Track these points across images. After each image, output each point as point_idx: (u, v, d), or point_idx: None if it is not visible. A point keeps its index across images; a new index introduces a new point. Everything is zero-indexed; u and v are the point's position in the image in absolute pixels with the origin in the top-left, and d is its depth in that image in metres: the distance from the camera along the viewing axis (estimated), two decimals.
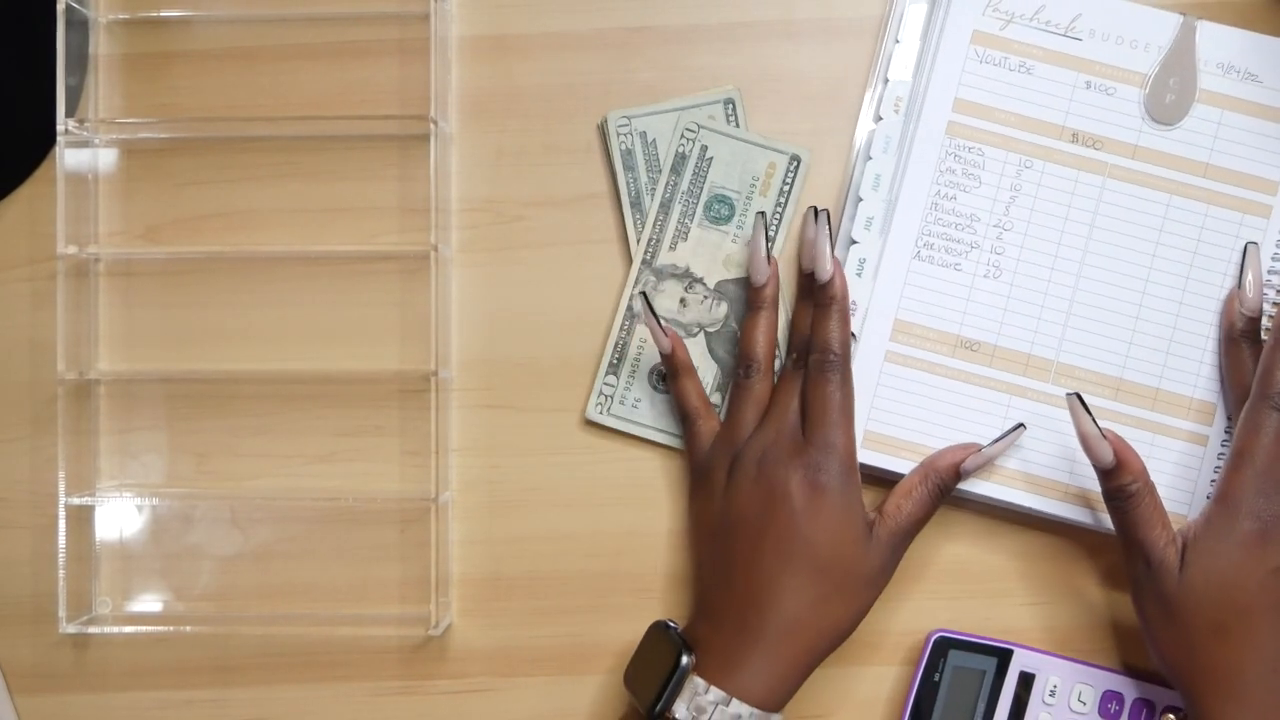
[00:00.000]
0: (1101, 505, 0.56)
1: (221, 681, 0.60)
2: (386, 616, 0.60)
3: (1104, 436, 0.52)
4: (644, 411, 0.60)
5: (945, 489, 0.56)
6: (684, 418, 0.59)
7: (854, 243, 0.58)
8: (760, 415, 0.57)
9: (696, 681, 0.52)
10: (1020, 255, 0.58)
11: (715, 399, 0.59)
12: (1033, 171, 0.58)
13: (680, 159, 0.59)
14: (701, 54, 0.60)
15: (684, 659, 0.53)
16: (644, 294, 0.57)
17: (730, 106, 0.59)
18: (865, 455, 0.57)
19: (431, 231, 0.58)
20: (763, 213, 0.58)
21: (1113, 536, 0.57)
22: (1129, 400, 0.57)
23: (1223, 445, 0.57)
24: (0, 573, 0.60)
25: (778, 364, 0.58)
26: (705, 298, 0.59)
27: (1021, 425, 0.57)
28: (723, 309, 0.59)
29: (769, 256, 0.57)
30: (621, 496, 0.60)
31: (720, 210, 0.59)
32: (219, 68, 0.61)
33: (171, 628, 0.60)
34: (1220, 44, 0.57)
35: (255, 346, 0.61)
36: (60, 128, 0.59)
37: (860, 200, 0.58)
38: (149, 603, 0.61)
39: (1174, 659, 0.53)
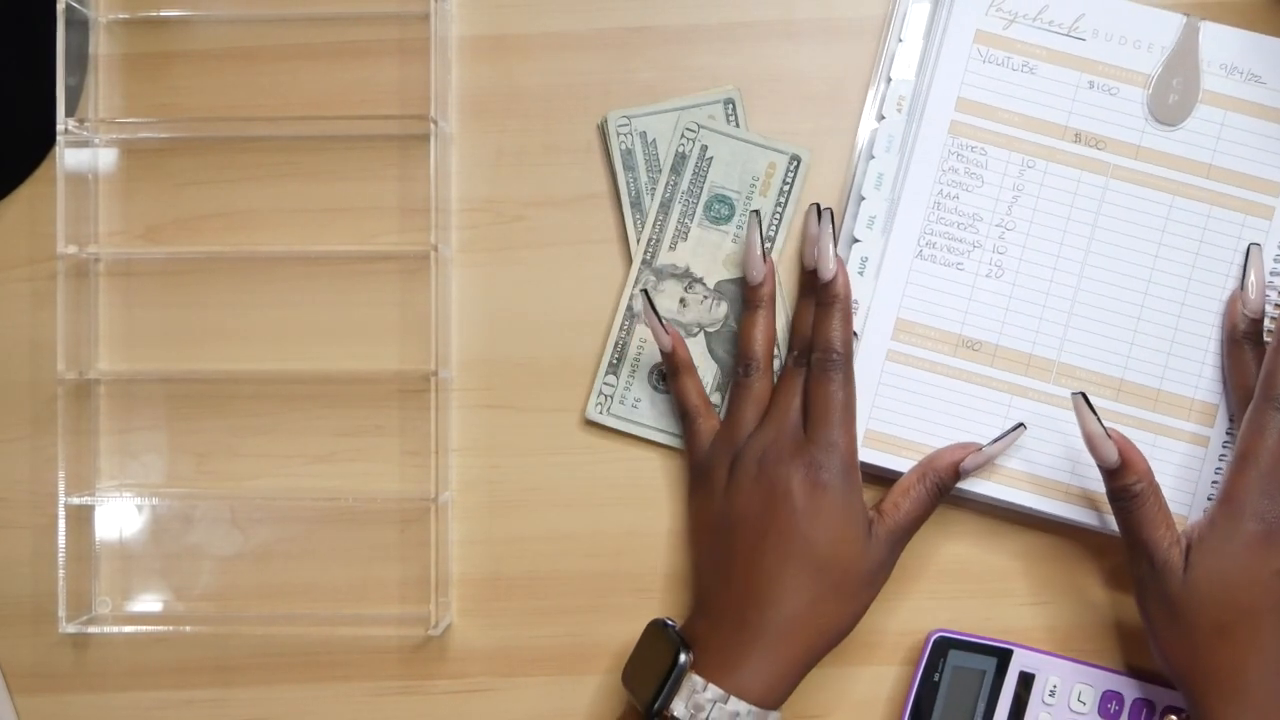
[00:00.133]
0: (1102, 505, 0.56)
1: (221, 681, 0.60)
2: (386, 616, 0.60)
3: (1109, 436, 0.52)
4: (644, 411, 0.60)
5: (944, 488, 0.56)
6: (684, 416, 0.58)
7: (856, 241, 0.58)
8: (760, 414, 0.57)
9: (694, 679, 0.52)
10: (1022, 255, 0.58)
11: (715, 399, 0.59)
12: (1035, 171, 0.58)
13: (680, 159, 0.59)
14: (701, 54, 0.60)
15: (682, 657, 0.53)
16: (645, 291, 0.57)
17: (730, 106, 0.59)
18: (866, 454, 0.57)
19: (431, 231, 0.58)
20: (757, 211, 0.58)
21: (1113, 536, 0.57)
22: (1130, 401, 0.57)
23: (1224, 446, 0.57)
24: (0, 573, 0.60)
25: (776, 363, 0.58)
26: (705, 298, 0.59)
27: (1022, 425, 0.57)
28: (723, 309, 0.59)
29: (765, 255, 0.57)
30: (621, 496, 0.60)
31: (720, 210, 0.59)
32: (219, 68, 0.61)
33: (171, 628, 0.60)
34: (1224, 45, 0.57)
35: (255, 346, 0.61)
36: (60, 128, 0.59)
37: (863, 199, 0.58)
38: (149, 603, 0.61)
39: (1177, 659, 0.53)
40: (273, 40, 0.61)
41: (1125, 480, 0.53)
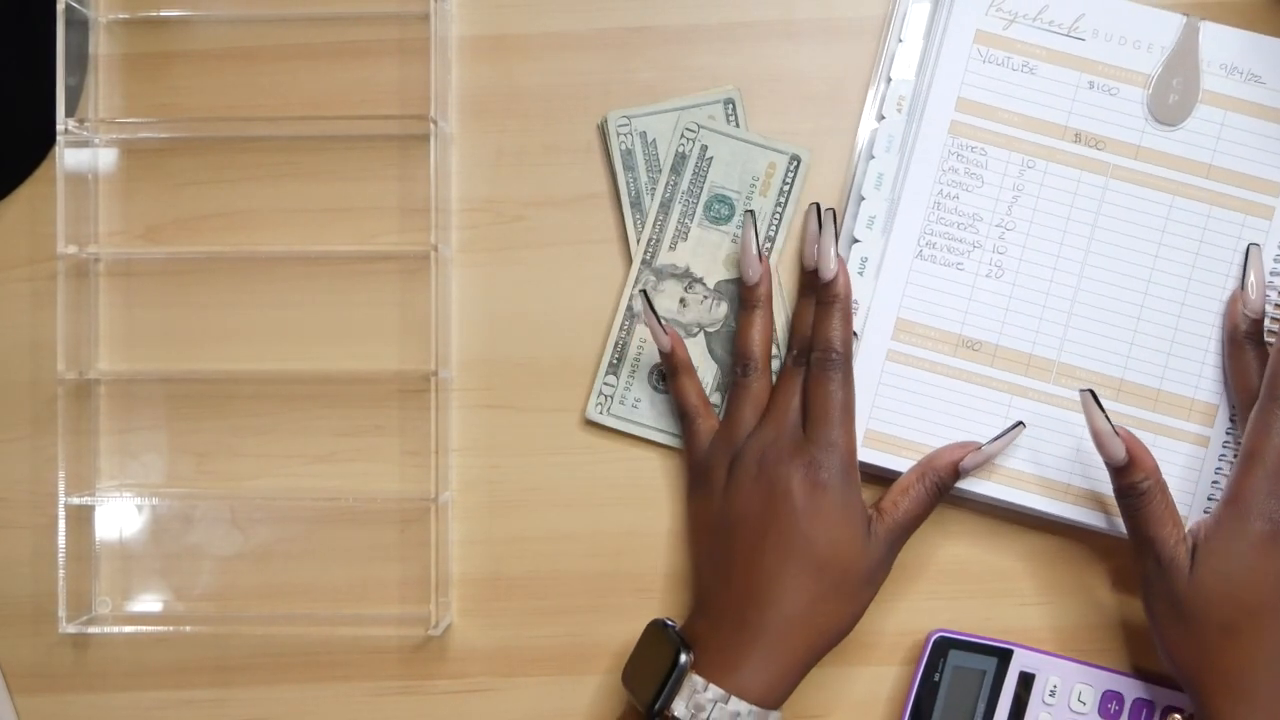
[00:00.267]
0: (1103, 505, 0.57)
1: (221, 681, 0.60)
2: (386, 616, 0.60)
3: (1116, 434, 0.52)
4: (644, 411, 0.60)
5: (943, 487, 0.56)
6: (683, 416, 0.58)
7: (856, 241, 0.58)
8: (759, 413, 0.57)
9: (695, 679, 0.52)
10: (1022, 255, 0.58)
11: (715, 399, 0.59)
12: (1035, 171, 0.58)
13: (680, 159, 0.59)
14: (701, 54, 0.60)
15: (682, 657, 0.53)
16: (644, 292, 0.57)
17: (730, 106, 0.59)
18: (866, 454, 0.57)
19: (431, 231, 0.58)
20: (751, 211, 0.58)
21: (1114, 536, 0.57)
22: (1131, 401, 0.57)
23: (1224, 446, 0.57)
24: (0, 573, 0.60)
25: (776, 363, 0.58)
26: (705, 298, 0.59)
27: (1021, 424, 0.57)
28: (723, 309, 0.59)
29: (761, 254, 0.57)
30: (621, 496, 0.60)
31: (720, 210, 0.59)
32: (219, 68, 0.61)
33: (171, 628, 0.60)
34: (1223, 45, 0.57)
35: (255, 346, 0.61)
36: (60, 128, 0.59)
37: (863, 199, 0.58)
38: (149, 603, 0.61)
39: (1183, 658, 0.53)
40: (273, 40, 0.61)
41: (1132, 478, 0.53)
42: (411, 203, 0.60)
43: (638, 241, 0.59)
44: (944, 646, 0.57)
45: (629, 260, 0.60)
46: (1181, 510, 0.57)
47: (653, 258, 0.59)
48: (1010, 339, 0.58)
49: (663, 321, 0.57)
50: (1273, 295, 0.57)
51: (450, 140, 0.60)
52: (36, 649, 0.60)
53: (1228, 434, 0.57)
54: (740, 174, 0.59)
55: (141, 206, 0.61)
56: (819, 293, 0.56)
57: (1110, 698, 0.57)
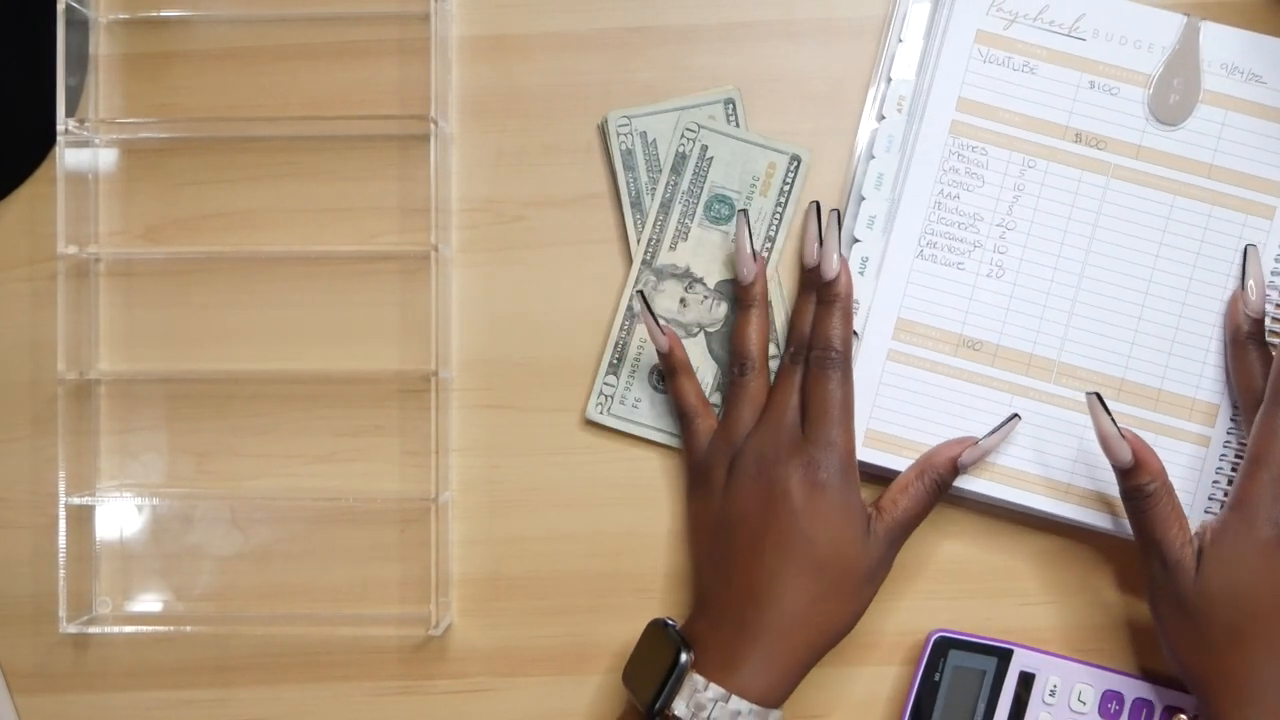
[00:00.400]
0: (1103, 504, 0.57)
1: (222, 681, 0.60)
2: (386, 616, 0.60)
3: (1123, 436, 0.52)
4: (644, 411, 0.60)
5: (943, 484, 0.56)
6: (682, 417, 0.58)
7: (857, 241, 0.58)
8: (757, 413, 0.57)
9: (696, 678, 0.52)
10: (1023, 255, 0.58)
11: (715, 398, 0.59)
12: (1036, 171, 0.58)
13: (680, 159, 0.59)
14: (701, 54, 0.60)
15: (683, 656, 0.53)
16: (641, 293, 0.57)
17: (730, 106, 0.59)
18: (867, 454, 0.57)
19: (431, 231, 0.58)
20: (744, 210, 0.58)
21: (1114, 536, 0.57)
22: (1131, 401, 0.57)
23: (1225, 446, 0.57)
24: (0, 573, 0.61)
25: (774, 364, 0.58)
26: (705, 298, 0.59)
27: (1016, 416, 0.57)
28: (723, 309, 0.59)
29: (755, 254, 0.57)
30: (621, 496, 0.60)
31: (720, 210, 0.59)
32: (219, 68, 0.61)
33: (171, 628, 0.60)
34: (1224, 45, 0.57)
35: (255, 346, 0.61)
36: (60, 128, 0.59)
37: (863, 199, 0.58)
38: (149, 603, 0.61)
39: (1188, 659, 0.53)
40: (273, 40, 0.61)
41: (1138, 480, 0.53)
42: (411, 203, 0.60)
43: (638, 241, 0.59)
44: (944, 646, 0.57)
45: (629, 260, 0.60)
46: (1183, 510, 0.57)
47: (653, 258, 0.59)
48: (1011, 339, 0.58)
49: (660, 322, 0.57)
50: (1273, 295, 0.57)
51: (450, 140, 0.60)
52: (36, 649, 0.60)
53: (1229, 434, 0.57)
54: (740, 174, 0.59)
55: (141, 206, 0.61)
56: (820, 292, 0.56)
57: (1110, 697, 0.57)
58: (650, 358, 0.60)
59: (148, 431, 0.61)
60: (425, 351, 0.59)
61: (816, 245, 0.56)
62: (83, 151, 0.60)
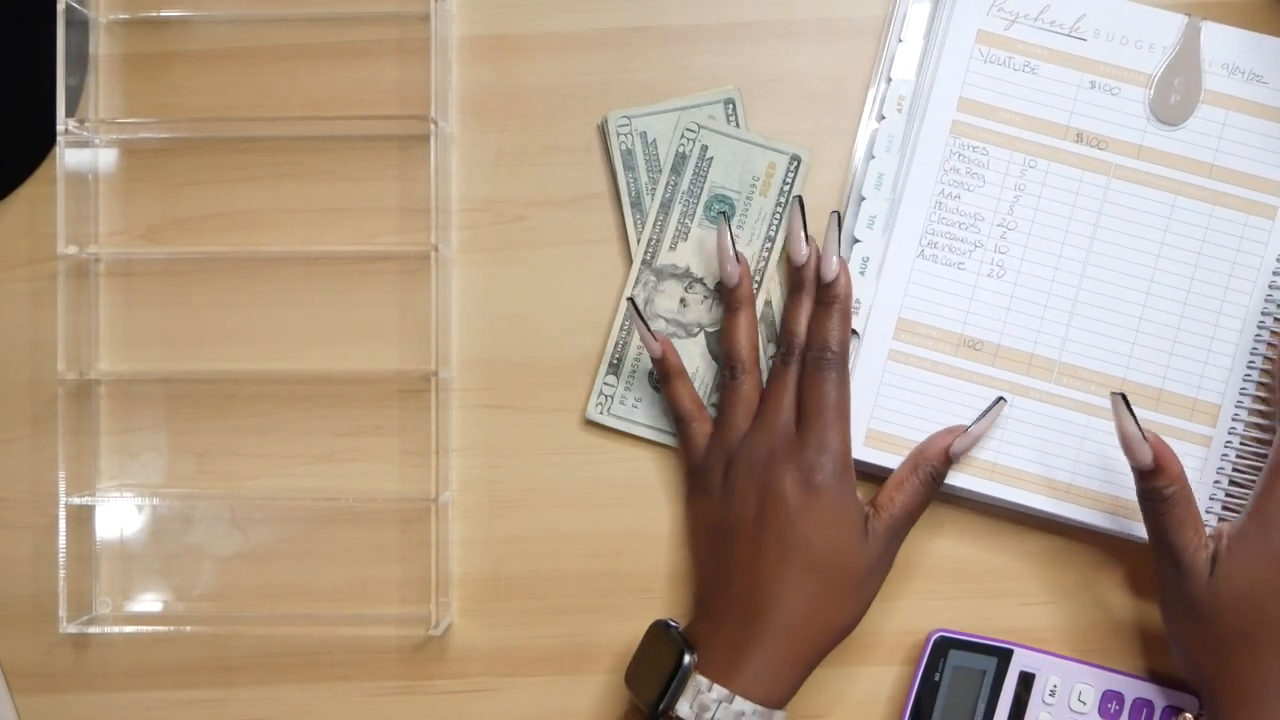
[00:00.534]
0: (1104, 504, 0.57)
1: (222, 681, 0.60)
2: (386, 616, 0.60)
3: (1145, 438, 0.52)
4: (644, 411, 0.60)
5: (937, 476, 0.56)
6: (678, 421, 0.58)
7: (857, 241, 0.58)
8: (751, 415, 0.56)
9: (699, 679, 0.52)
10: (1024, 255, 0.58)
11: (715, 399, 0.59)
12: (1037, 171, 0.58)
13: (680, 159, 0.59)
14: (701, 54, 0.60)
15: (686, 658, 0.53)
16: (631, 300, 0.57)
17: (730, 106, 0.59)
18: (867, 454, 0.57)
19: (431, 231, 0.58)
20: (724, 213, 0.58)
21: (1114, 536, 0.57)
22: (1133, 401, 0.57)
23: (1226, 446, 0.57)
24: (0, 573, 0.61)
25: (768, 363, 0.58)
26: (705, 298, 0.59)
27: (1002, 399, 0.57)
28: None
29: (737, 255, 0.57)
30: (621, 496, 0.60)
31: (720, 210, 0.59)
32: (219, 68, 0.61)
33: (171, 628, 0.60)
34: (1225, 45, 0.57)
35: (255, 346, 0.61)
36: (60, 128, 0.59)
37: (863, 199, 0.58)
38: (149, 603, 0.61)
39: (1198, 662, 0.53)
40: (273, 40, 0.61)
41: (1157, 482, 0.52)
42: (411, 203, 0.60)
43: (638, 241, 0.59)
44: (944, 646, 0.57)
45: (629, 260, 0.60)
46: None
47: (653, 258, 0.59)
48: (1012, 339, 0.58)
49: (651, 328, 0.57)
50: (1274, 295, 0.57)
51: (450, 140, 0.60)
52: (36, 649, 0.60)
53: (1230, 434, 0.57)
54: (740, 174, 0.59)
55: (141, 206, 0.61)
56: (819, 293, 0.56)
57: (1110, 697, 0.57)
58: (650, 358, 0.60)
59: (148, 431, 0.61)
60: (425, 351, 0.59)
61: (803, 242, 0.56)
62: (83, 151, 0.60)
